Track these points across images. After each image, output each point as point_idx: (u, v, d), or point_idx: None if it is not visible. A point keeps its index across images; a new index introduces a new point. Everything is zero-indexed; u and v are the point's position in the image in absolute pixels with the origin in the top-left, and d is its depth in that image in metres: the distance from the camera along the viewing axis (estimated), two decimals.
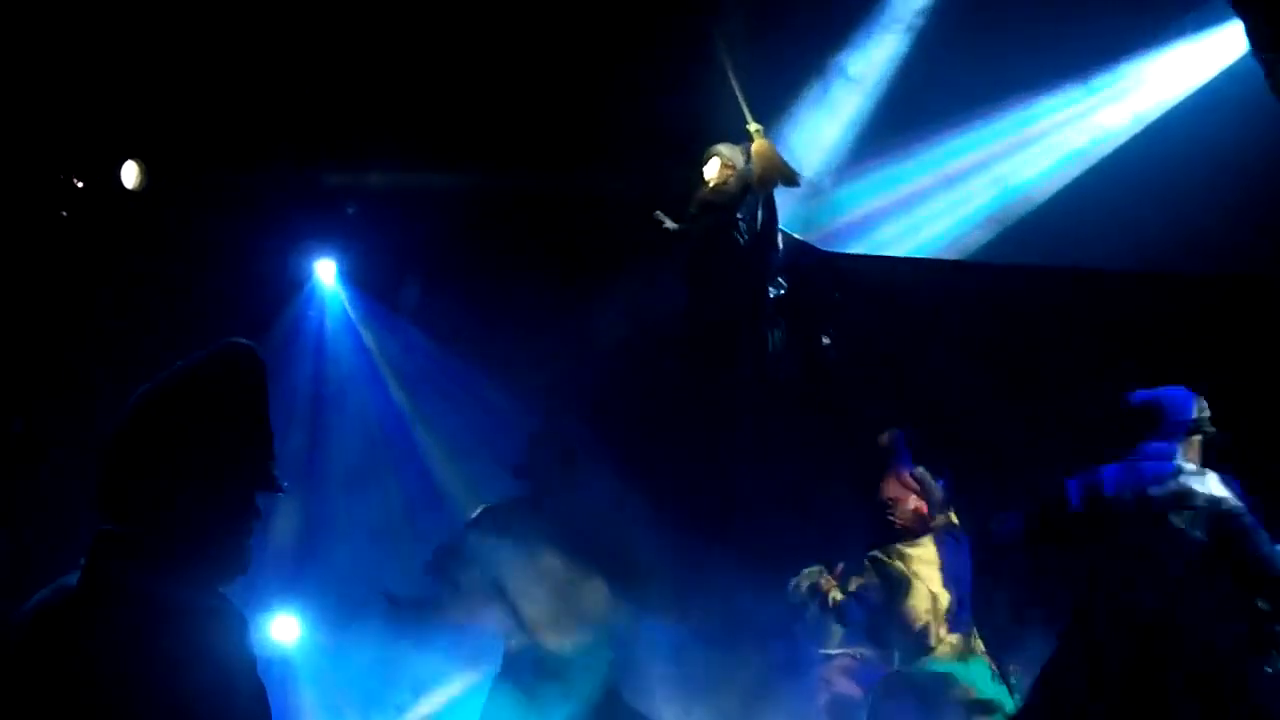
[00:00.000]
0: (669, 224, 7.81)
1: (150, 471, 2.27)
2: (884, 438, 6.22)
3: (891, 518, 6.00)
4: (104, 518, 2.27)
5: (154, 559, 2.22)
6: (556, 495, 6.06)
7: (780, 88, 8.38)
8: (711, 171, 7.85)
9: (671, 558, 6.38)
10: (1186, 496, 4.71)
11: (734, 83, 7.53)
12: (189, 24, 7.49)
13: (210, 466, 2.29)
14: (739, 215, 7.75)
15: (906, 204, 8.71)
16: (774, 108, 8.31)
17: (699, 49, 7.77)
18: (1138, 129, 7.99)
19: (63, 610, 2.19)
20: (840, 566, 6.24)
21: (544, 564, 5.89)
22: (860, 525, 6.39)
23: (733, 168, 7.80)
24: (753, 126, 7.61)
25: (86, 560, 2.23)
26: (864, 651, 6.51)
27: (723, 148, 7.85)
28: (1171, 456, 4.82)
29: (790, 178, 7.67)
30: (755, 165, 7.62)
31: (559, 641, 5.91)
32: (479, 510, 6.24)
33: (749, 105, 7.59)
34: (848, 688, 6.55)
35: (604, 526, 6.06)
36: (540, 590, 5.87)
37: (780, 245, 7.95)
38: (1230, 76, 7.42)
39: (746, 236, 7.78)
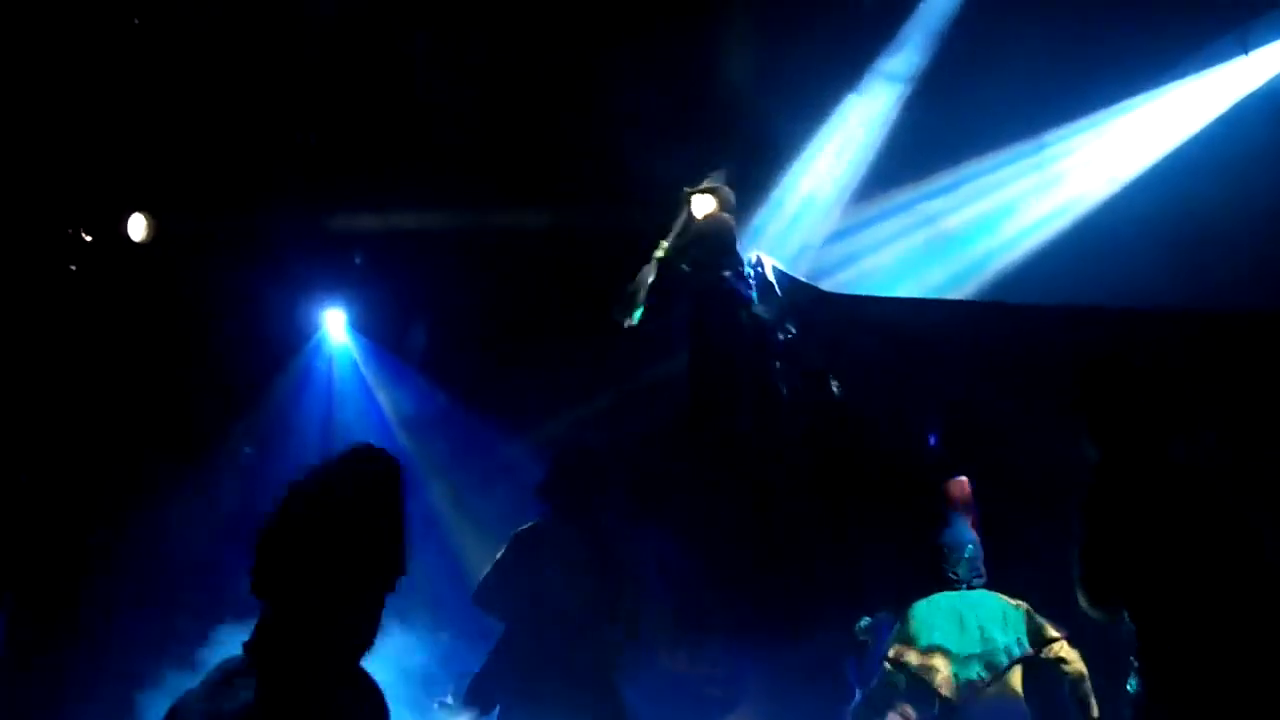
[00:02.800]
0: (662, 250, 7.57)
1: (300, 566, 2.58)
2: (953, 487, 5.97)
3: (947, 566, 5.83)
4: (258, 596, 2.60)
5: (302, 638, 2.57)
6: (584, 516, 5.60)
7: (782, 131, 8.40)
8: (705, 209, 7.61)
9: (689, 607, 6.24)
10: None
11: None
12: (194, 78, 7.53)
13: (352, 567, 2.61)
14: (730, 266, 7.61)
15: (904, 247, 8.74)
16: (777, 149, 8.35)
17: (710, 93, 7.79)
18: (1125, 182, 8.08)
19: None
20: (868, 622, 6.07)
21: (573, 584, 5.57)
22: (882, 572, 6.24)
23: (725, 212, 7.64)
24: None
25: (254, 639, 2.61)
26: (909, 711, 6.21)
27: (727, 191, 7.68)
28: None
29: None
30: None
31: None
32: (511, 540, 5.73)
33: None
34: None
35: (627, 547, 5.75)
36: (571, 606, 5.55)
37: (781, 290, 7.80)
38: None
39: (747, 286, 7.65)
